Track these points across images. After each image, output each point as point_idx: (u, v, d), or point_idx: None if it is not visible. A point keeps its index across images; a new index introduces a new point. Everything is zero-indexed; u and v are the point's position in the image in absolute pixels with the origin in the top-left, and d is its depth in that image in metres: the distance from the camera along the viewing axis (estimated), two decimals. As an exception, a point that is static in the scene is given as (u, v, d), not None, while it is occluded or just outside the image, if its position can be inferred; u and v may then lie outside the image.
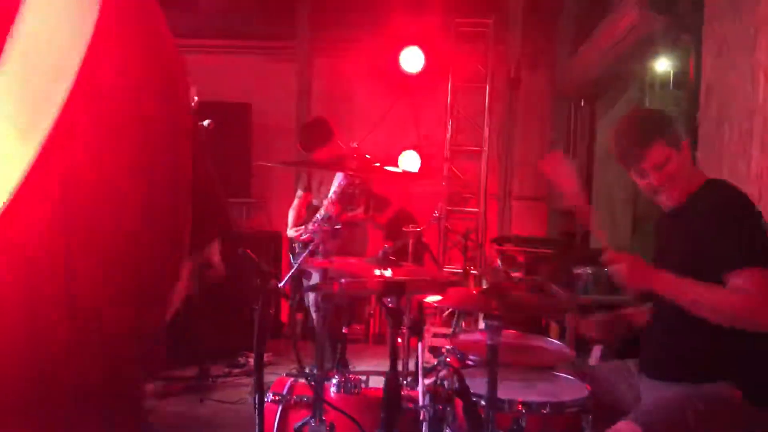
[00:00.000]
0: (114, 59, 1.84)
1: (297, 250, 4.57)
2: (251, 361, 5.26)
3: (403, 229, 3.43)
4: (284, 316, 6.19)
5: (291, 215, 4.76)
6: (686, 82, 4.15)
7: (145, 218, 1.96)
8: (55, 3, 1.77)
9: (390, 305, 1.77)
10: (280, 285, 1.94)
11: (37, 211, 1.73)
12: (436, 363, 3.96)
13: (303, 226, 4.52)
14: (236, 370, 5.14)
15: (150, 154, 1.97)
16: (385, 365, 1.91)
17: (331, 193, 4.16)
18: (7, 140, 1.67)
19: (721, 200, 2.21)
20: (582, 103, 6.69)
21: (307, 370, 2.13)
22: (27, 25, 1.70)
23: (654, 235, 2.56)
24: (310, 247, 2.18)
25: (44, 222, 1.75)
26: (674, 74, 6.17)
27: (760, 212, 2.17)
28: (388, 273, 2.29)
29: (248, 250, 2.02)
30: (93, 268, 1.84)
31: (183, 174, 2.18)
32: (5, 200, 1.65)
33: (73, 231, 1.78)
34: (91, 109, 1.79)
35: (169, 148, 2.07)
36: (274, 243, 6.28)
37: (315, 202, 4.61)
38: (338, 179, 4.21)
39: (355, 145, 2.31)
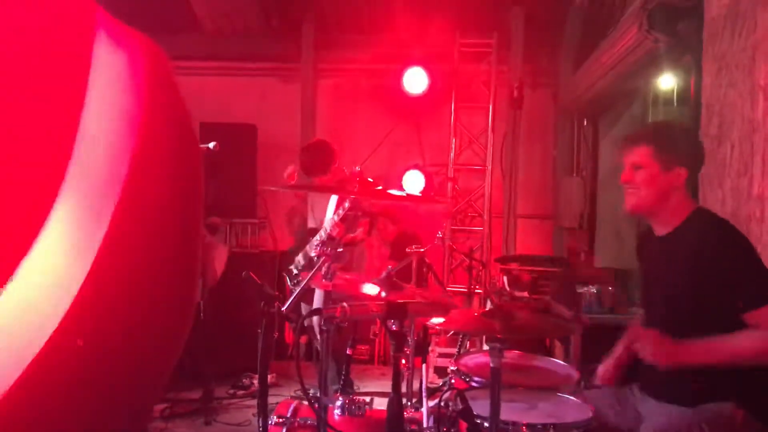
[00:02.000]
0: (155, 169, 1.92)
1: (294, 272, 4.57)
2: (256, 382, 5.25)
3: (407, 249, 3.44)
4: (288, 338, 6.19)
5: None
6: (688, 101, 4.17)
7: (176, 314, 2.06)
8: (107, 106, 1.84)
9: (393, 328, 1.77)
10: (284, 309, 1.94)
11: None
12: (440, 384, 3.95)
13: (302, 259, 4.54)
14: (241, 392, 5.14)
15: (187, 252, 2.04)
16: (390, 386, 1.92)
17: (332, 215, 4.17)
18: (63, 258, 1.72)
19: (718, 237, 2.21)
20: (585, 122, 6.71)
21: (311, 392, 2.13)
22: (86, 130, 1.76)
23: (639, 256, 2.58)
24: (312, 271, 2.19)
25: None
26: (677, 92, 6.19)
27: (751, 244, 2.21)
28: (391, 295, 2.30)
29: (252, 273, 2.03)
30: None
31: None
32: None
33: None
34: (137, 220, 1.85)
35: (194, 241, 2.15)
36: (278, 263, 6.29)
37: (311, 224, 4.61)
38: (334, 201, 4.22)
39: (357, 168, 2.33)
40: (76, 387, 1.88)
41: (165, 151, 2.04)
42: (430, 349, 5.54)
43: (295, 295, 2.06)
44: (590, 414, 2.17)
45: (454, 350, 4.97)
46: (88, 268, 1.78)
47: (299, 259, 4.51)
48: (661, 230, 2.37)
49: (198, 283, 2.36)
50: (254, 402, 4.95)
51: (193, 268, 2.19)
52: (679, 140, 2.36)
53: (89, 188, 1.79)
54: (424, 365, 2.74)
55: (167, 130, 2.07)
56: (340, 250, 2.06)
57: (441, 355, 5.50)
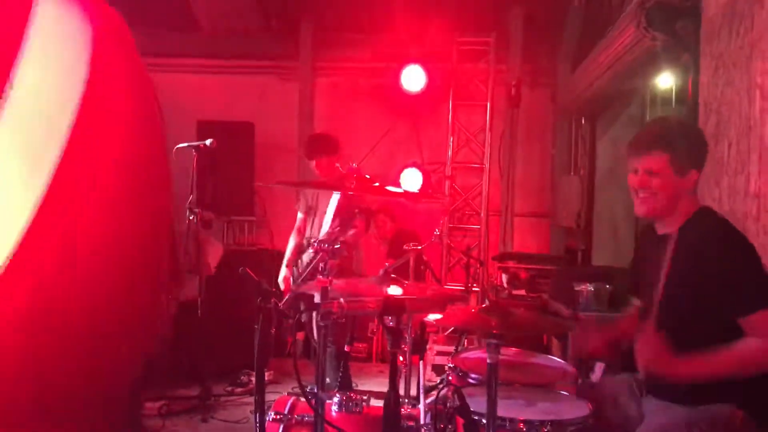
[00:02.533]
0: (105, 109, 1.89)
1: (295, 274, 4.57)
2: (254, 380, 5.25)
3: (404, 247, 3.44)
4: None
5: (291, 242, 4.75)
6: (686, 100, 4.18)
7: (131, 263, 1.99)
8: (49, 57, 1.82)
9: (390, 324, 1.78)
10: (281, 304, 1.95)
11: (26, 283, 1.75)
12: (438, 381, 3.95)
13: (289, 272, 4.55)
14: (239, 389, 5.14)
15: (138, 201, 1.99)
16: (387, 384, 1.92)
17: (330, 215, 4.16)
18: (10, 193, 1.69)
19: (719, 238, 2.22)
20: (583, 121, 6.72)
21: (308, 389, 2.13)
22: (23, 79, 1.75)
23: (640, 250, 2.59)
24: (309, 268, 2.19)
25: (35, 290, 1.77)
26: (675, 91, 6.19)
27: (753, 247, 2.21)
28: (388, 291, 2.30)
29: (248, 269, 2.03)
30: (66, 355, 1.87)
31: (164, 217, 2.20)
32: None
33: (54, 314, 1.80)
34: (85, 158, 1.82)
35: (154, 193, 2.10)
36: (276, 261, 6.29)
37: (307, 233, 4.58)
38: (335, 200, 4.20)
39: (354, 165, 2.34)
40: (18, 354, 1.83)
41: (117, 113, 1.99)
42: (427, 347, 5.55)
43: (292, 290, 2.06)
44: (588, 411, 2.17)
45: (452, 348, 4.98)
46: (25, 222, 1.74)
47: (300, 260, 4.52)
48: (664, 229, 2.36)
49: (164, 259, 2.27)
50: (252, 399, 4.94)
51: (157, 234, 2.11)
52: (691, 143, 2.34)
53: (24, 139, 1.75)
54: (421, 362, 2.74)
55: (120, 90, 2.03)
56: (337, 246, 2.06)
57: (439, 353, 5.51)
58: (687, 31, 3.81)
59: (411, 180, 6.45)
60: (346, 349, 2.98)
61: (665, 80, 5.09)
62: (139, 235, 2.02)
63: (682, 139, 2.33)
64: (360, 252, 4.55)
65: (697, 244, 2.21)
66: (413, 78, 6.45)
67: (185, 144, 4.73)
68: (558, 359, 2.93)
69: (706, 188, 3.26)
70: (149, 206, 2.11)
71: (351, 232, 4.12)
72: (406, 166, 6.51)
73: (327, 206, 4.28)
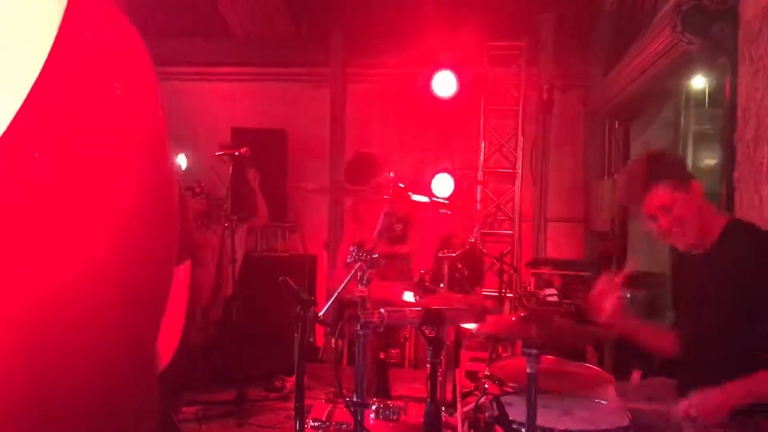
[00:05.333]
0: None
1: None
2: (288, 385, 5.31)
3: (438, 254, 3.45)
4: (320, 341, 6.23)
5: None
6: (723, 102, 4.12)
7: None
8: None
9: (430, 334, 1.78)
10: (320, 314, 1.97)
11: None
12: (473, 389, 3.94)
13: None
14: (273, 394, 5.18)
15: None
16: (422, 390, 1.93)
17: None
18: None
19: (759, 248, 2.20)
20: (616, 124, 6.65)
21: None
22: None
23: (679, 277, 2.56)
24: (349, 277, 2.21)
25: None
26: (710, 93, 6.09)
27: None
28: (425, 299, 2.31)
29: (288, 279, 2.05)
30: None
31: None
32: None
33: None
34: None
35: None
36: (308, 266, 6.35)
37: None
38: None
39: (391, 174, 2.36)
40: None
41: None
42: (460, 352, 5.52)
43: (331, 300, 2.08)
44: (627, 421, 2.16)
45: (485, 354, 4.97)
46: None
47: None
48: (699, 249, 2.34)
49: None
50: (286, 404, 5.00)
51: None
52: (670, 159, 2.37)
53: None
54: (456, 370, 2.75)
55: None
56: (375, 255, 2.08)
57: (472, 359, 5.49)
58: (723, 34, 3.75)
59: (442, 186, 6.44)
60: (381, 356, 3.00)
61: (700, 83, 5.02)
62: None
63: (663, 159, 2.38)
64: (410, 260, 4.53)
65: (738, 258, 2.19)
66: (444, 83, 6.45)
67: (221, 152, 4.81)
68: (594, 367, 2.91)
69: (746, 194, 3.21)
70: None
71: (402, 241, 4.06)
72: (437, 172, 6.50)
73: (371, 217, 4.24)
